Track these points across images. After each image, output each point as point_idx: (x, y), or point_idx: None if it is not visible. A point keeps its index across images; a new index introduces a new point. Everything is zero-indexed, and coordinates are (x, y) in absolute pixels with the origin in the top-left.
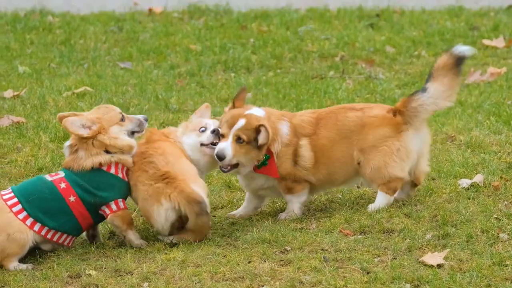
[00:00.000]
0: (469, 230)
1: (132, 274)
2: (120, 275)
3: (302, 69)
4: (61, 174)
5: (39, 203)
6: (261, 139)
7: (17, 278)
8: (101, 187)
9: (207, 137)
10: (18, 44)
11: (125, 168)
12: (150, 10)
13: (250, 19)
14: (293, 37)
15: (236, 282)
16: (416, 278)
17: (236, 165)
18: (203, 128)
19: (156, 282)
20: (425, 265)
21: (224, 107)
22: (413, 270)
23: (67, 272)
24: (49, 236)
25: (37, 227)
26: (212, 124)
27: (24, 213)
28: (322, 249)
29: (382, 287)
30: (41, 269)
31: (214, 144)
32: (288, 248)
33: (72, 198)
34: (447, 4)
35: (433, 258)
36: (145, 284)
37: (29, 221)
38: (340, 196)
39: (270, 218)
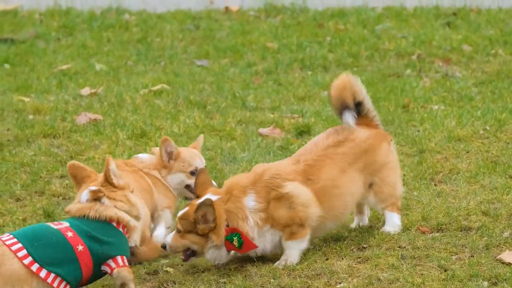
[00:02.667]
0: None
1: (209, 271)
2: (197, 272)
3: (379, 67)
4: (66, 224)
5: (45, 249)
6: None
7: None
8: (110, 236)
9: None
10: (94, 42)
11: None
12: (226, 8)
13: (326, 17)
14: (369, 35)
15: (313, 279)
16: (493, 276)
17: None
18: (194, 171)
19: (233, 279)
20: (503, 263)
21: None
22: (491, 268)
23: (144, 269)
24: (55, 284)
25: (43, 273)
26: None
27: (30, 259)
28: (399, 247)
29: (459, 285)
30: None
31: None
32: (365, 246)
33: (80, 247)
34: None
35: (511, 256)
36: (223, 281)
37: (35, 266)
38: (415, 194)
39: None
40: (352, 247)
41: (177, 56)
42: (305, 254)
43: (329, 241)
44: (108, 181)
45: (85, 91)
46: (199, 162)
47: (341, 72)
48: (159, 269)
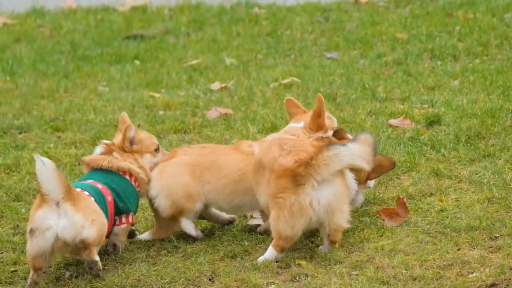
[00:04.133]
0: None
1: (341, 263)
2: (330, 265)
3: (509, 56)
4: (90, 180)
5: (97, 197)
6: None
7: (227, 269)
8: (127, 196)
9: None
10: (224, 36)
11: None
12: (356, 0)
13: (456, 6)
14: (499, 23)
15: (445, 269)
16: None
17: None
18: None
19: (365, 271)
20: None
21: None
22: None
23: (276, 262)
24: None
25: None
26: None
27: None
28: None
29: None
30: (251, 260)
31: None
32: (497, 235)
33: (109, 198)
34: None
35: None
36: (355, 273)
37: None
38: None
39: (477, 205)
40: (484, 236)
41: (307, 48)
42: (436, 244)
43: (460, 231)
44: (121, 145)
45: (215, 85)
46: None
47: (471, 61)
48: (291, 262)
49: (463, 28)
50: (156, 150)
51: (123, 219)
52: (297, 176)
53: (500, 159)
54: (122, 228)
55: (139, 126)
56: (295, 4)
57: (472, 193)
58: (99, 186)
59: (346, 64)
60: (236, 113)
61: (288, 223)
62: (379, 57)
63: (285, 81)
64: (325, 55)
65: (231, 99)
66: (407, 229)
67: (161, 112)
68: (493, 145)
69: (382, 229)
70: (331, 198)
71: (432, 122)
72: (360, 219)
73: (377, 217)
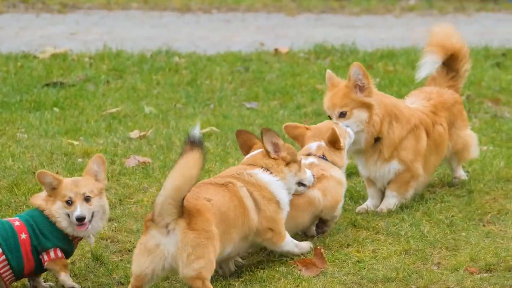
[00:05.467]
0: None
1: None
2: None
3: None
4: (16, 218)
5: (3, 234)
6: None
7: None
8: (44, 233)
9: None
10: (144, 85)
11: None
12: (276, 50)
13: (376, 58)
14: None
15: None
16: None
17: None
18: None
19: None
20: None
21: None
22: None
23: None
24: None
25: None
26: None
27: None
28: (447, 287)
29: None
30: None
31: None
32: (414, 287)
33: (23, 236)
34: None
35: None
36: None
37: None
38: (464, 235)
39: (394, 257)
40: None
41: (227, 98)
42: None
43: (377, 282)
44: None
45: (134, 134)
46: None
47: None
48: None
49: (383, 80)
50: (68, 202)
51: (45, 257)
52: (146, 223)
53: (418, 211)
54: (48, 265)
55: (57, 172)
56: (215, 53)
57: (390, 244)
58: (17, 223)
59: (265, 114)
60: (154, 161)
61: (134, 260)
62: (299, 108)
63: (204, 131)
64: (244, 105)
65: (150, 147)
66: (324, 280)
67: (80, 160)
68: None
69: (299, 279)
70: (173, 249)
71: (351, 173)
72: (277, 268)
73: (293, 267)
